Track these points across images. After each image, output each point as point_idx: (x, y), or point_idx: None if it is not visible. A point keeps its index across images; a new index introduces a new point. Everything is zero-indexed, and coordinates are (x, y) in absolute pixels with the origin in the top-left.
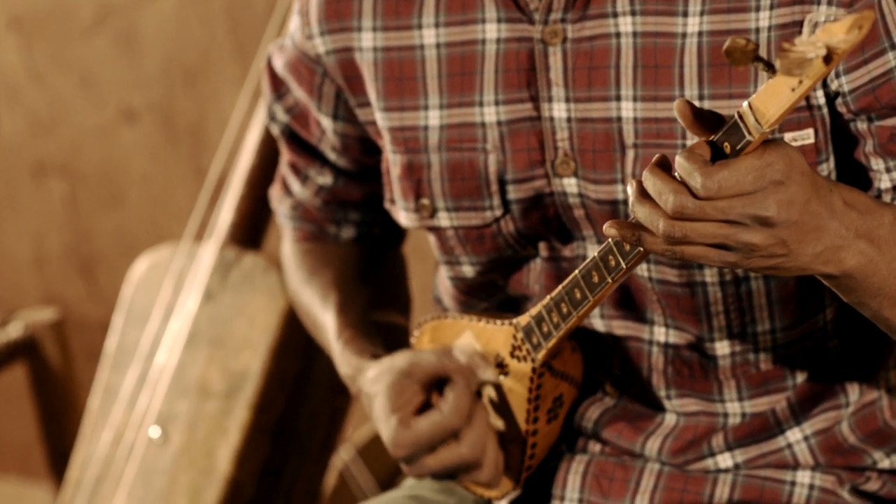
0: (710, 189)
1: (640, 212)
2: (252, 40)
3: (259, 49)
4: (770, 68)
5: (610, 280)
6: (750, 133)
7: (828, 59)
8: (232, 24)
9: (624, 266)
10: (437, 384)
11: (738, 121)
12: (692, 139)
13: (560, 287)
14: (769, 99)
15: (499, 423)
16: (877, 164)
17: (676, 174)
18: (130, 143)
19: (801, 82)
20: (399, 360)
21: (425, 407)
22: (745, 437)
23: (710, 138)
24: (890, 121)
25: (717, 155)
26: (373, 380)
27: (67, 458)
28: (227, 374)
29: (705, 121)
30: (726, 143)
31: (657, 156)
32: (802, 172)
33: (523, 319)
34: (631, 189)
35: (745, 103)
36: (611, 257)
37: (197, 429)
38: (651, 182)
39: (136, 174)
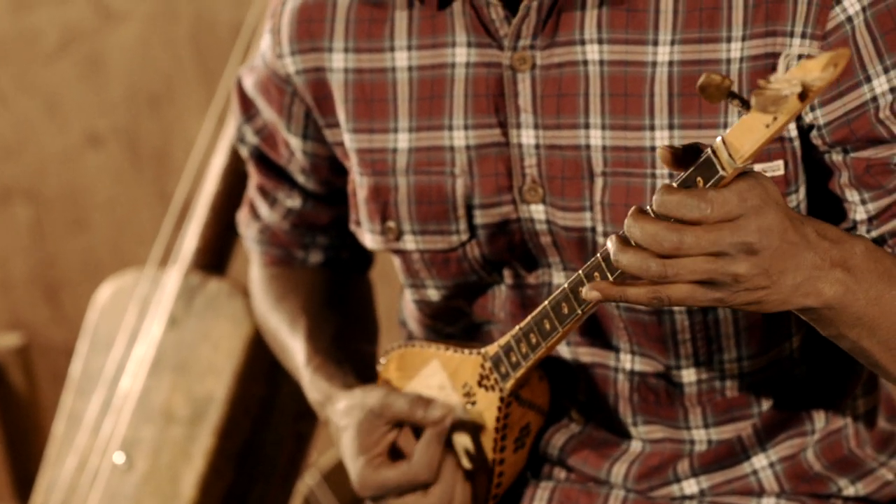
0: (704, 210)
1: (626, 260)
2: (217, 65)
3: (224, 74)
4: (744, 105)
5: (580, 311)
6: (723, 168)
7: (803, 95)
8: (196, 49)
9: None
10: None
11: (712, 156)
12: (661, 167)
13: (529, 318)
14: (743, 135)
15: (466, 452)
16: (852, 195)
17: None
18: (95, 168)
19: (775, 119)
20: (371, 397)
21: (393, 449)
22: (711, 464)
23: (681, 175)
24: (865, 152)
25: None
26: (343, 412)
27: (32, 483)
28: (192, 400)
29: (685, 160)
30: (699, 178)
31: (633, 208)
32: (777, 202)
33: (492, 349)
34: (611, 243)
35: (718, 139)
36: (580, 289)
37: (161, 455)
38: (639, 228)
39: (102, 199)
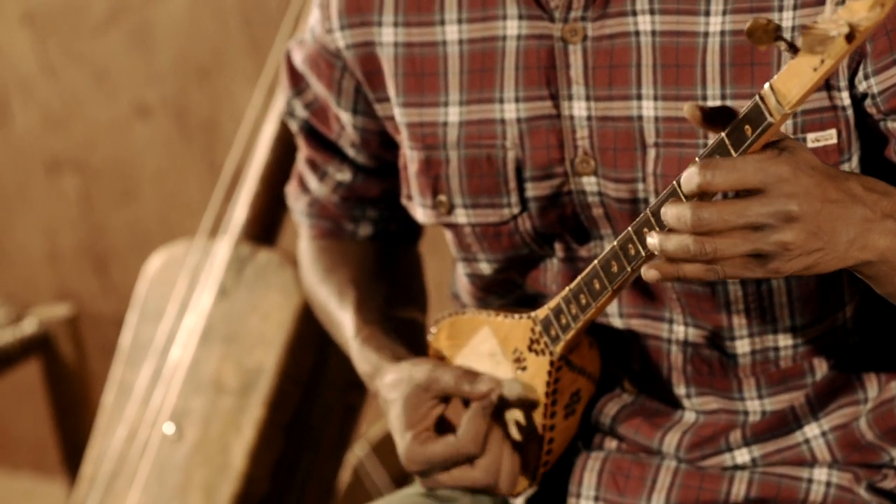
0: (706, 175)
1: (669, 244)
2: (266, 36)
3: (273, 45)
4: (792, 48)
5: (629, 269)
6: (771, 114)
7: (850, 37)
8: (245, 20)
9: (643, 254)
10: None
11: (759, 102)
12: (713, 139)
13: (579, 278)
14: (791, 79)
15: (516, 419)
16: None
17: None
18: (144, 139)
19: (822, 61)
20: (418, 371)
21: (442, 421)
22: (763, 433)
23: (726, 129)
24: None
25: (738, 140)
26: (390, 385)
27: (81, 454)
28: (242, 371)
29: (715, 118)
30: (747, 127)
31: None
32: (811, 166)
33: (542, 312)
34: (655, 236)
35: (766, 85)
36: (630, 246)
37: (211, 425)
38: (667, 212)
39: (150, 170)
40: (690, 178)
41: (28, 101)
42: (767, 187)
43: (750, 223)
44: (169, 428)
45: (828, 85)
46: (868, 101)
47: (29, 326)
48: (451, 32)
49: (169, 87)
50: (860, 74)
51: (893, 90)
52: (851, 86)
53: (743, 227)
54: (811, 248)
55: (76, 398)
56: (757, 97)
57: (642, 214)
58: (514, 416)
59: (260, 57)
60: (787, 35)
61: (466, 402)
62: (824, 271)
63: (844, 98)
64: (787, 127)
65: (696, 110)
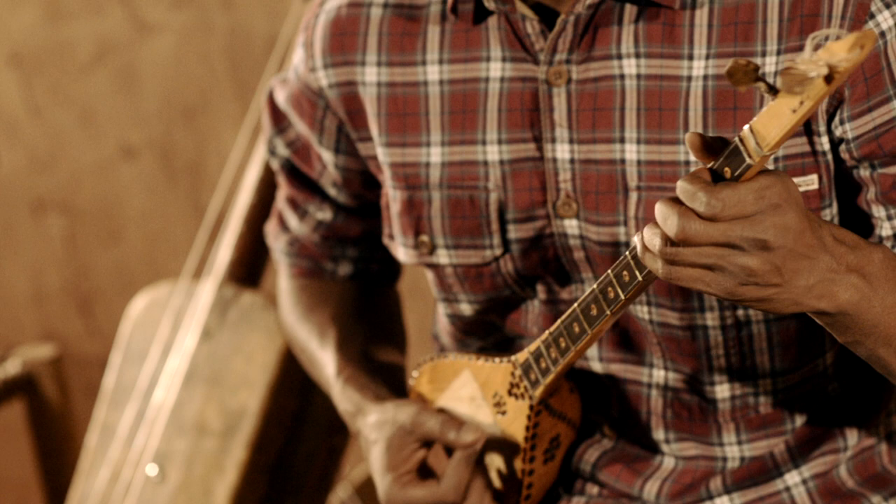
0: (715, 207)
1: (644, 234)
2: (251, 78)
3: (258, 87)
4: (771, 89)
5: (609, 312)
6: (750, 156)
7: (829, 78)
8: (231, 62)
9: (623, 297)
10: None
11: (739, 144)
12: None
13: (558, 322)
14: (770, 121)
15: (495, 463)
16: (878, 211)
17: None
18: (129, 180)
19: (801, 103)
20: (403, 413)
21: (423, 466)
22: (744, 480)
23: (711, 165)
24: (892, 168)
25: (718, 180)
26: (374, 426)
27: (65, 495)
28: (225, 413)
29: (714, 149)
30: (727, 168)
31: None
32: (797, 203)
33: (521, 356)
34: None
35: (745, 127)
36: (610, 289)
37: (194, 467)
38: (658, 207)
39: (135, 211)
40: (695, 199)
41: (14, 142)
42: (758, 213)
43: (727, 242)
44: (152, 470)
45: (808, 130)
46: (843, 147)
47: (13, 367)
48: (433, 73)
49: (154, 129)
50: (836, 119)
51: (867, 137)
52: (829, 130)
53: (718, 243)
54: (769, 282)
55: (59, 439)
56: (737, 139)
57: (622, 257)
58: (493, 460)
59: (245, 99)
60: (769, 80)
61: (447, 450)
62: (777, 310)
63: (824, 143)
64: None
65: (697, 138)
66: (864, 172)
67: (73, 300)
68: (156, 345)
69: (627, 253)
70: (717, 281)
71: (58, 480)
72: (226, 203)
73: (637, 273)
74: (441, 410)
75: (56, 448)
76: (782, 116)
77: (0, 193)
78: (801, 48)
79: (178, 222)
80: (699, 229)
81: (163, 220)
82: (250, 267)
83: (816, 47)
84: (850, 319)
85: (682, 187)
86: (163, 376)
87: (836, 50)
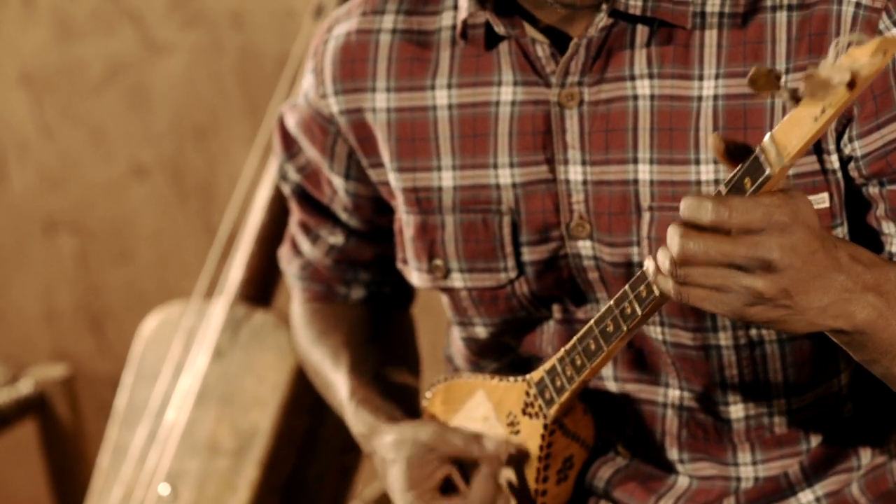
0: (722, 214)
1: (658, 254)
2: (262, 97)
3: (269, 106)
4: (794, 96)
5: (625, 328)
6: (771, 166)
7: (851, 84)
8: (242, 81)
9: (640, 313)
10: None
11: (759, 155)
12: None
13: (574, 339)
14: (791, 129)
15: (509, 483)
16: (888, 227)
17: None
18: (140, 199)
19: (823, 110)
20: (424, 431)
21: (446, 483)
22: (757, 500)
23: (731, 175)
24: None
25: (737, 193)
26: (391, 445)
27: None
28: (237, 432)
29: (735, 155)
30: (747, 179)
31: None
32: (807, 223)
33: (536, 375)
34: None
35: (766, 136)
36: (626, 305)
37: (206, 486)
38: (669, 229)
39: (147, 230)
40: (704, 210)
41: (25, 162)
42: (763, 233)
43: (730, 262)
44: (164, 489)
45: (818, 148)
46: (852, 165)
47: (25, 387)
48: (441, 97)
49: (165, 148)
50: (845, 137)
51: (876, 154)
52: (839, 149)
53: (723, 263)
54: (778, 303)
55: (72, 459)
56: (757, 149)
57: (638, 273)
58: (507, 479)
59: (256, 118)
60: (778, 100)
61: (462, 467)
62: (792, 330)
63: (834, 161)
64: None
65: (720, 141)
66: (873, 190)
67: (84, 320)
68: (168, 364)
69: (643, 269)
70: (724, 301)
71: (70, 500)
72: (237, 222)
73: (654, 289)
74: (464, 429)
75: (68, 468)
76: (804, 125)
77: (12, 213)
78: (809, 66)
79: (189, 241)
80: (700, 248)
81: (174, 240)
82: (262, 286)
83: (838, 54)
84: (867, 338)
85: (687, 201)
86: (175, 396)
87: (858, 55)
